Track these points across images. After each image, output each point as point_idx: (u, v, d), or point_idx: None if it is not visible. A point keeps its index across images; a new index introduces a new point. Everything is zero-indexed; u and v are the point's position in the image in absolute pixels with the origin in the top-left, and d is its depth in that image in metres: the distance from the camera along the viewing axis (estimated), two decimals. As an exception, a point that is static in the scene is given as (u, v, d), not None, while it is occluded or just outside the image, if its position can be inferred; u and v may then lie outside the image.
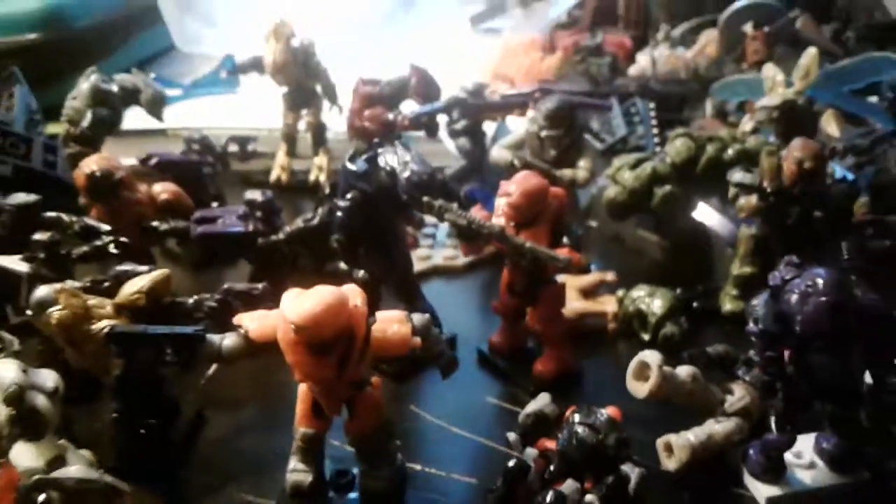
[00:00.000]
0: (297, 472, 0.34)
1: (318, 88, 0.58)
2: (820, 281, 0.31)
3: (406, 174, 0.42)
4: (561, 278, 0.45)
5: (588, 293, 0.52)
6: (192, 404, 0.39)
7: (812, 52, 0.54)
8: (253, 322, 0.32)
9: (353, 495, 0.35)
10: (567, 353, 0.44)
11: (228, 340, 0.33)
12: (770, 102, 0.56)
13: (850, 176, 0.50)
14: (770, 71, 0.56)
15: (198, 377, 0.40)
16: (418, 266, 0.54)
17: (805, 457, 0.36)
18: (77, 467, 0.28)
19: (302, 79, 0.55)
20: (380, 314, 0.33)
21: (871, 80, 0.51)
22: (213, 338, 0.33)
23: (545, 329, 0.43)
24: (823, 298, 0.30)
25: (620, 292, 0.49)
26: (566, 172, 0.55)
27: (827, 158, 0.45)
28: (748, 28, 0.66)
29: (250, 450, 0.37)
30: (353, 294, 0.30)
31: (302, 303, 0.29)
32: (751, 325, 0.33)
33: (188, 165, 0.54)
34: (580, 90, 0.66)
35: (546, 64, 0.71)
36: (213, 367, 0.40)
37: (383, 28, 0.73)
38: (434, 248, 0.59)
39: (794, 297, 0.32)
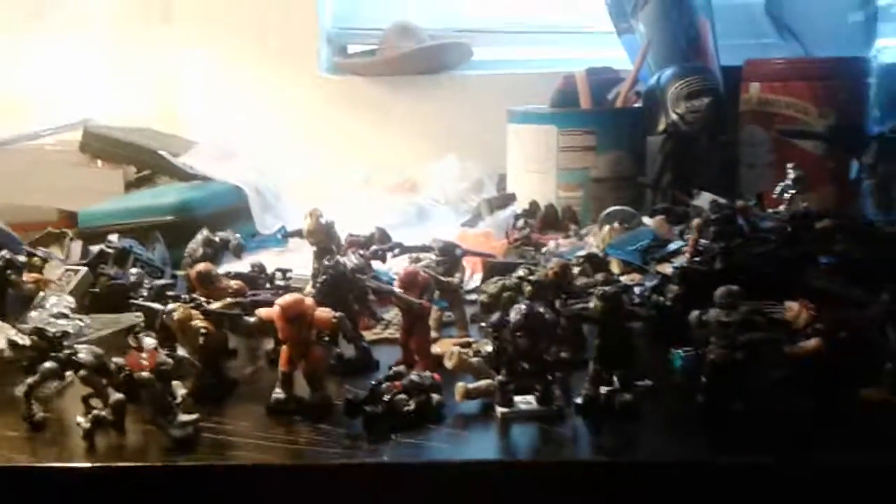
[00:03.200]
0: (277, 393, 0.61)
1: (334, 247, 0.94)
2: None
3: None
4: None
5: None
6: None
7: (606, 229, 0.89)
8: (261, 312, 0.64)
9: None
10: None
11: (251, 319, 0.63)
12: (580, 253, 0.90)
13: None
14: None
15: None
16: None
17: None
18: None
19: (325, 241, 0.91)
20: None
21: (640, 244, 0.83)
22: (246, 318, 0.66)
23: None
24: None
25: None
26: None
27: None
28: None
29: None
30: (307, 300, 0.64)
31: (284, 298, 0.62)
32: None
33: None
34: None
35: (493, 244, 1.07)
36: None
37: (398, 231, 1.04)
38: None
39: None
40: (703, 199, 0.96)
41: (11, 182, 1.25)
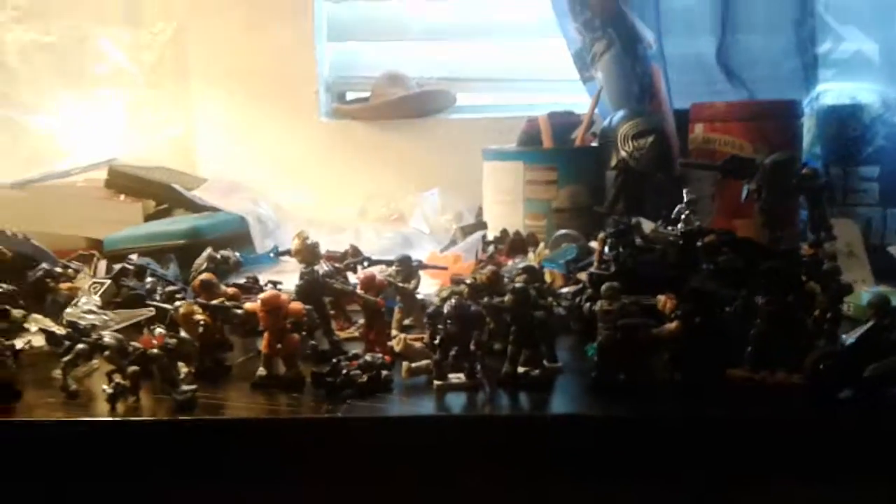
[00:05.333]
0: (260, 371, 0.76)
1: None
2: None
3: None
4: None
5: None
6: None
7: (541, 246, 1.05)
8: (247, 305, 0.80)
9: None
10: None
11: (240, 311, 0.83)
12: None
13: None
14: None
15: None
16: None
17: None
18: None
19: (310, 259, 1.08)
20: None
21: (567, 258, 0.99)
22: (236, 311, 0.82)
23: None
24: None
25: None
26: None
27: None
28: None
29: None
30: (283, 295, 0.80)
31: (264, 293, 0.79)
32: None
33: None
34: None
35: (461, 265, 1.23)
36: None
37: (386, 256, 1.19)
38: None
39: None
40: (644, 225, 1.12)
41: (45, 214, 1.42)
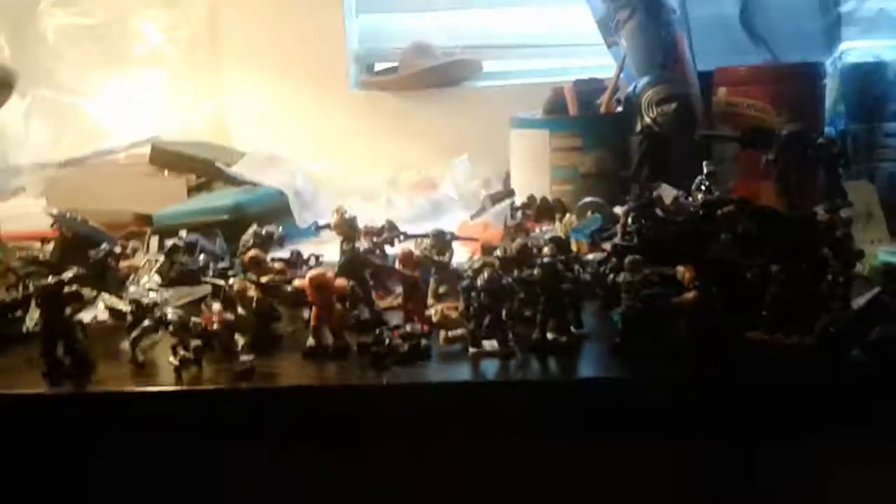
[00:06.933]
0: (310, 342, 0.82)
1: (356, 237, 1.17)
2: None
3: None
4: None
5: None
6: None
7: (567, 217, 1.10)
8: (296, 282, 0.87)
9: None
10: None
11: (289, 288, 0.90)
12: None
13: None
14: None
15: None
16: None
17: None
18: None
19: (349, 232, 1.14)
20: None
21: (593, 228, 1.04)
22: (286, 288, 0.89)
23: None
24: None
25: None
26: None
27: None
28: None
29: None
30: (328, 272, 0.86)
31: (311, 271, 0.85)
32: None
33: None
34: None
35: (491, 232, 1.28)
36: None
37: (418, 223, 1.25)
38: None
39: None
40: (665, 192, 1.16)
41: (92, 191, 1.50)
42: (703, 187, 0.93)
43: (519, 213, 1.36)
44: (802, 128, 0.99)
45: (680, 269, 0.78)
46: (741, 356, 0.78)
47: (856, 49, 1.61)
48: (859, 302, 0.74)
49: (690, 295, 0.77)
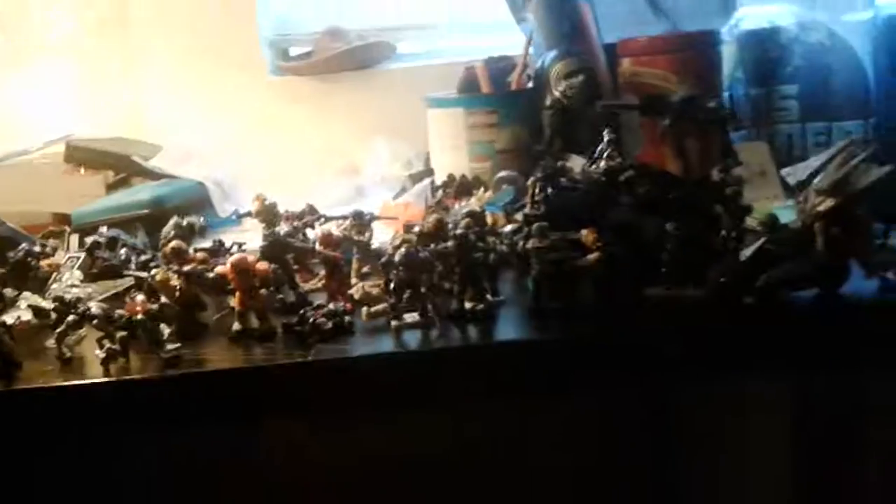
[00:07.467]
0: (235, 326, 0.85)
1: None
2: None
3: None
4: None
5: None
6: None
7: (481, 191, 1.15)
8: (218, 269, 0.89)
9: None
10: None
11: (211, 275, 0.92)
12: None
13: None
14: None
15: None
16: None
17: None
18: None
19: (270, 219, 1.15)
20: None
21: (506, 200, 1.09)
22: (208, 275, 0.91)
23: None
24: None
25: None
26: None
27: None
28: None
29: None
30: (250, 257, 0.89)
31: (233, 256, 0.87)
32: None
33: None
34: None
35: (413, 212, 1.31)
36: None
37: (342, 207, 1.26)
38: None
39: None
40: (575, 162, 1.21)
41: (8, 193, 1.47)
42: (604, 155, 0.99)
43: (439, 192, 1.40)
44: (693, 94, 1.05)
45: (584, 232, 0.83)
46: (643, 311, 0.84)
47: (751, 16, 1.69)
48: (746, 253, 0.80)
49: (594, 256, 0.82)
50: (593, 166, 1.02)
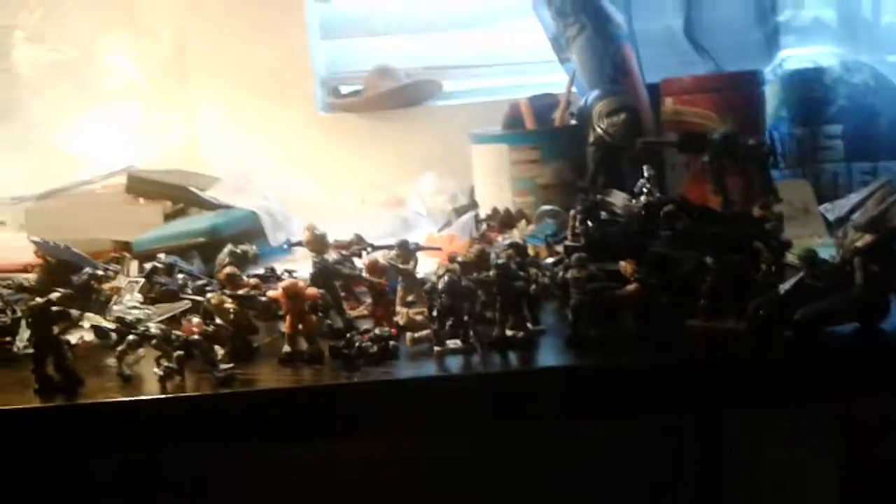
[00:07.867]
0: (285, 349, 0.89)
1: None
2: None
3: None
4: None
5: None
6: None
7: (522, 223, 1.18)
8: (270, 293, 0.94)
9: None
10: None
11: (263, 298, 0.96)
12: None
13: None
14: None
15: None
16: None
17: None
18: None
19: (320, 248, 1.19)
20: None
21: (546, 232, 1.12)
22: (260, 298, 0.95)
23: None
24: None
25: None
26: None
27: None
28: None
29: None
30: (300, 282, 0.93)
31: (284, 282, 0.92)
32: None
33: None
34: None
35: (457, 243, 1.35)
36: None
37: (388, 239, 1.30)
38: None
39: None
40: (616, 197, 1.24)
41: (71, 221, 1.55)
42: (644, 190, 1.01)
43: (483, 225, 1.43)
44: (732, 131, 1.07)
45: (622, 263, 0.85)
46: (681, 341, 0.85)
47: (794, 56, 1.71)
48: (785, 287, 0.81)
49: (632, 287, 0.84)
50: (633, 201, 1.04)
